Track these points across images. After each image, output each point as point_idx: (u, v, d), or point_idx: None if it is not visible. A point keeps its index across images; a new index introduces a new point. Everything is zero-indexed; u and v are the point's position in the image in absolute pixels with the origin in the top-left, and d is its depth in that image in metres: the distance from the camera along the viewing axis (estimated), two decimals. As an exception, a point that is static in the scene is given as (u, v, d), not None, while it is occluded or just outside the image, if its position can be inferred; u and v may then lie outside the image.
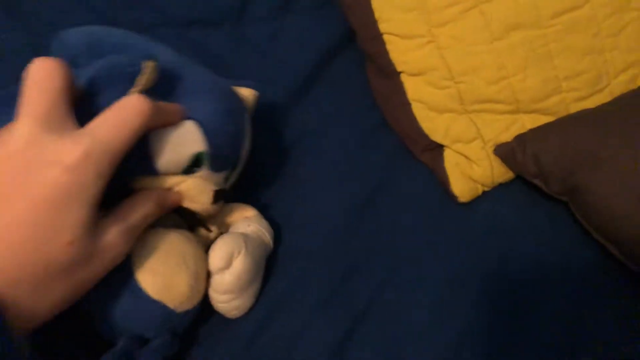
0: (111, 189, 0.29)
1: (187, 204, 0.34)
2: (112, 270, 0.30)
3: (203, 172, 0.35)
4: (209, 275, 0.36)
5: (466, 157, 0.49)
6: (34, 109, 0.26)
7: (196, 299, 0.35)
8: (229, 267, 0.35)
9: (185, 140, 0.33)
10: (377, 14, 0.48)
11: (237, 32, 0.58)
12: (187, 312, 0.34)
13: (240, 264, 0.35)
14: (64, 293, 0.26)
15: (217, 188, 0.35)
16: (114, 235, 0.28)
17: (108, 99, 0.29)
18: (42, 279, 0.25)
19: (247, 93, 0.41)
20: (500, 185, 0.50)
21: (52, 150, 0.25)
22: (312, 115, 0.53)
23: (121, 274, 0.31)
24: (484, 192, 0.49)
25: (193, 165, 0.34)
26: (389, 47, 0.49)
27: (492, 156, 0.49)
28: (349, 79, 0.57)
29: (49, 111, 0.26)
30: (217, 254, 0.35)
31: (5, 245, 0.24)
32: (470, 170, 0.48)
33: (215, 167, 0.35)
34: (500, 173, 0.49)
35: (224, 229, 0.40)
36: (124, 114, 0.28)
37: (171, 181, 0.33)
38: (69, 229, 0.25)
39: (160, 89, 0.31)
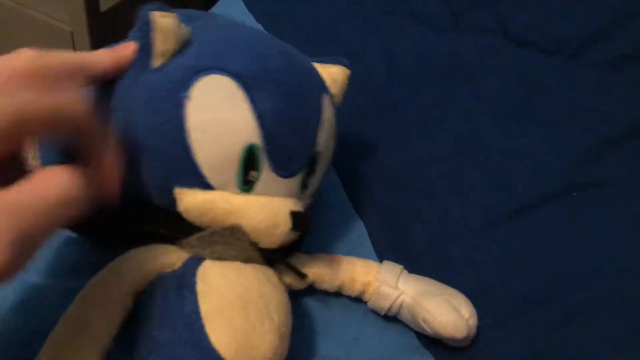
0: (152, 203, 0.26)
1: (258, 237, 0.27)
2: (171, 319, 0.24)
3: (265, 177, 0.27)
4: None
5: None
6: None
7: None
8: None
9: (234, 127, 0.25)
10: None
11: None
12: None
13: (474, 321, 0.31)
14: None
15: (294, 209, 0.27)
16: None
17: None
18: None
19: (335, 71, 0.32)
20: None
21: None
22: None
23: (185, 324, 0.24)
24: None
25: (248, 168, 0.26)
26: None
27: None
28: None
29: None
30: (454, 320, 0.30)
31: None
32: None
33: (280, 165, 0.27)
34: None
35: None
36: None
37: (227, 201, 0.26)
38: None
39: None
